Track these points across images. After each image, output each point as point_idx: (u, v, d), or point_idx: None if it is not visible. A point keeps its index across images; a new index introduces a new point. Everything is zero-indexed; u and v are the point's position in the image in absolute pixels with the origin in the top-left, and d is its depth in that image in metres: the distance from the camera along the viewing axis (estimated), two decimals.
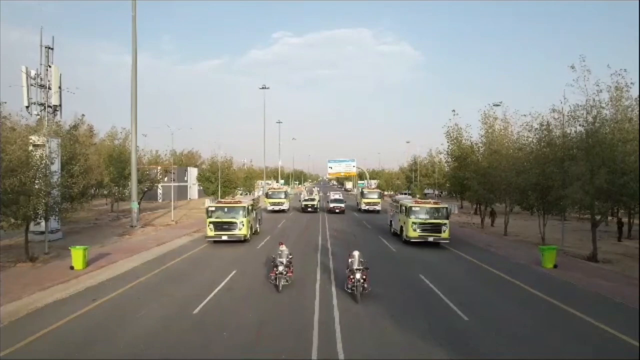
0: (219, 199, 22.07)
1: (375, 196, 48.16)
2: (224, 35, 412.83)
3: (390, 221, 29.73)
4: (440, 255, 21.34)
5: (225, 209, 24.18)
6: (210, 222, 23.54)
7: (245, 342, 9.61)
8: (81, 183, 22.67)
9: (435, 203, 24.97)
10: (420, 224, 23.18)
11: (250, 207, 25.26)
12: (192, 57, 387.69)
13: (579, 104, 19.72)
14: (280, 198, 46.67)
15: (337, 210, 44.94)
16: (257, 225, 28.46)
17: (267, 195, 47.70)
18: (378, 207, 47.15)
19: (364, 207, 47.34)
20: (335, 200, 46.47)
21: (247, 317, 11.31)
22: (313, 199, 47.63)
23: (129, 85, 31.41)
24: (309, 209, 46.12)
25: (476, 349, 9.36)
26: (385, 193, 70.81)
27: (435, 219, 23.46)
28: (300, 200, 49.43)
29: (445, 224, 23.16)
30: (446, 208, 23.88)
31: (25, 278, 15.20)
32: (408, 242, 23.76)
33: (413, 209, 23.71)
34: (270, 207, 45.90)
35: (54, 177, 19.43)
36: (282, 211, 45.89)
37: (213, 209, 24.21)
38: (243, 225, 23.49)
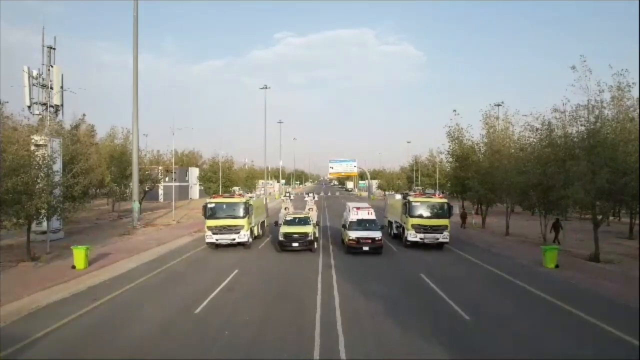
0: None
1: (438, 211, 22.85)
2: (226, 35, 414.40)
3: None
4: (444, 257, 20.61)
5: None
6: None
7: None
8: (83, 183, 22.71)
9: None
10: None
11: None
12: (193, 57, 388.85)
13: (581, 104, 19.73)
14: (235, 218, 22.25)
15: (365, 248, 20.69)
16: None
17: (205, 212, 22.51)
18: (445, 239, 22.42)
19: (412, 237, 22.48)
20: (364, 224, 22.21)
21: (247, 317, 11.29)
22: (305, 222, 22.59)
23: (131, 86, 31.56)
24: (295, 245, 21.18)
25: (480, 347, 9.35)
26: (386, 193, 57.69)
27: None
28: (278, 223, 24.16)
29: None
30: None
31: (27, 277, 15.25)
32: None
33: None
34: (212, 239, 22.11)
35: (56, 176, 19.52)
36: (240, 245, 22.33)
37: None
38: None
